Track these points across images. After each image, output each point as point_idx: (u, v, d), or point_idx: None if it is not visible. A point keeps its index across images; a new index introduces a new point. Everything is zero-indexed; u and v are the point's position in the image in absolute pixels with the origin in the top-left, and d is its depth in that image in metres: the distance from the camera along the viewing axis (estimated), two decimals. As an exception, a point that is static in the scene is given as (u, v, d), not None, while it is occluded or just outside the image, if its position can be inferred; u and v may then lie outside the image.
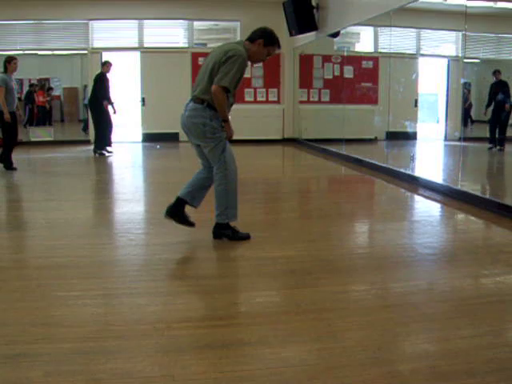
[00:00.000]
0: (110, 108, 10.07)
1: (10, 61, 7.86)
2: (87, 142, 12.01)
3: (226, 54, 3.87)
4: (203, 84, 3.96)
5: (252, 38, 4.05)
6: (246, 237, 4.21)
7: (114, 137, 10.73)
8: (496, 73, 7.56)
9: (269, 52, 4.08)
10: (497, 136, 8.01)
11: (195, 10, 11.91)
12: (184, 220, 4.21)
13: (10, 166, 8.07)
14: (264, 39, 4.02)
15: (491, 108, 7.75)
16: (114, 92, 10.31)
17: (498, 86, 7.59)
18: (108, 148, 10.27)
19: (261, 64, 12.34)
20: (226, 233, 4.17)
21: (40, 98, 13.21)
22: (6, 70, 7.92)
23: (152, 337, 2.55)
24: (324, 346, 2.48)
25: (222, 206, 4.08)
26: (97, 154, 10.09)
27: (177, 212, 4.18)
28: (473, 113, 8.80)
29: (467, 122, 8.66)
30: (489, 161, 8.75)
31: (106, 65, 10.03)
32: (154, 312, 2.86)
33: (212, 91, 3.86)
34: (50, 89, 13.67)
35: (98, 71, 10.17)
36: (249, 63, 4.06)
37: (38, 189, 7.23)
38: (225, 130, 4.00)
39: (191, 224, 4.23)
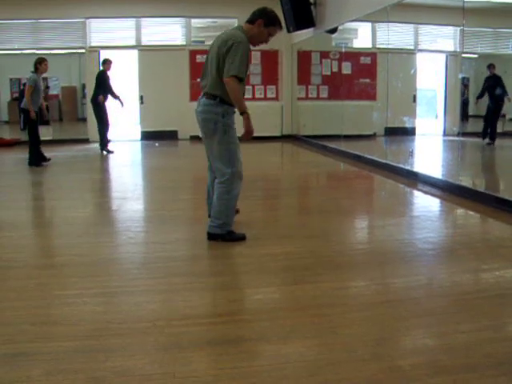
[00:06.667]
0: (117, 102, 10.12)
1: (41, 62, 8.11)
2: (86, 141, 12.01)
3: (225, 43, 3.77)
4: (212, 79, 3.86)
5: (252, 20, 3.94)
6: (242, 237, 4.11)
7: (113, 135, 10.72)
8: (490, 67, 7.54)
9: (270, 33, 3.96)
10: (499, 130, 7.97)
11: (193, 7, 11.89)
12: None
13: (43, 159, 8.46)
14: (264, 19, 3.91)
15: (486, 104, 7.72)
16: (116, 88, 10.30)
17: (492, 80, 7.57)
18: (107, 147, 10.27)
19: (259, 61, 12.37)
20: (224, 237, 4.06)
21: None
22: (36, 70, 8.13)
23: (152, 334, 2.55)
24: (324, 341, 2.48)
25: (220, 219, 3.99)
26: (104, 152, 10.16)
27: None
28: (469, 108, 8.78)
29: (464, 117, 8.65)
30: (487, 155, 8.75)
31: (107, 63, 10.08)
32: (153, 310, 2.86)
33: (225, 84, 3.75)
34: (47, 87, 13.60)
35: (101, 69, 10.22)
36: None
37: (36, 188, 7.23)
38: (234, 130, 3.91)
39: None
